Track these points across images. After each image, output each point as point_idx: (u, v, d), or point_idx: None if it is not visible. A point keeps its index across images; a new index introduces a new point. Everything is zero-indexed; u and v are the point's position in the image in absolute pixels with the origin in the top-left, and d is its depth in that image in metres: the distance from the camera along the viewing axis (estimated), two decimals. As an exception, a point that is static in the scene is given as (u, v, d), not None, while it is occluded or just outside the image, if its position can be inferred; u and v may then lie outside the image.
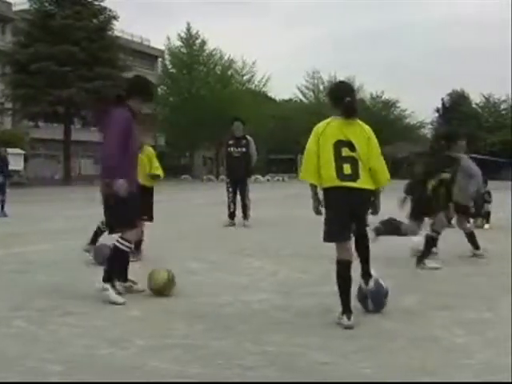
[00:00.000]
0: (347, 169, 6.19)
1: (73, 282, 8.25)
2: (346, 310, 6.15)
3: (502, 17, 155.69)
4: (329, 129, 6.36)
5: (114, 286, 7.27)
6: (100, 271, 7.44)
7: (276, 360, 5.02)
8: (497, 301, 7.28)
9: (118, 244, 7.25)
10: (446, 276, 8.98)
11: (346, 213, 6.27)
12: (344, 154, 6.23)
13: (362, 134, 6.38)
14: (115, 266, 7.35)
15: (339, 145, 6.25)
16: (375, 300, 6.66)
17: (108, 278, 7.17)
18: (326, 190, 6.31)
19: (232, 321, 6.27)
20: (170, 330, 5.88)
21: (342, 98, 6.42)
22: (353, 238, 6.51)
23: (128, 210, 7.19)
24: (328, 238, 6.46)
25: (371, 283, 6.62)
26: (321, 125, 6.48)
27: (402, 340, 5.61)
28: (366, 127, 6.48)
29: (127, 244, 7.30)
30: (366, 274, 6.66)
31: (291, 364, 4.93)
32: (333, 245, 6.41)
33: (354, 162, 6.23)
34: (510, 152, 73.90)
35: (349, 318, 6.08)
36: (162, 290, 7.40)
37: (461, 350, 5.33)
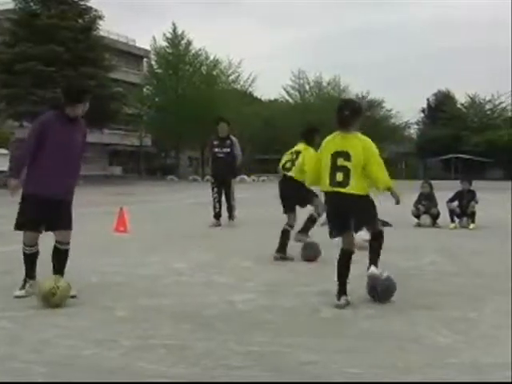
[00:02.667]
0: (339, 176, 7.06)
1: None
2: (341, 292, 7.02)
3: (489, 17, 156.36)
4: (332, 140, 7.31)
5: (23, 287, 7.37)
6: (86, 273, 7.43)
7: (261, 360, 5.02)
8: (481, 300, 7.31)
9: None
10: (430, 276, 9.00)
11: (338, 212, 7.23)
12: (339, 163, 7.08)
13: (358, 147, 7.09)
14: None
15: (336, 155, 7.12)
16: (383, 293, 7.25)
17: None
18: (324, 194, 7.40)
19: (217, 321, 6.27)
20: (156, 331, 5.87)
21: (338, 112, 7.26)
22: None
23: (20, 211, 7.32)
24: (330, 234, 7.41)
25: (373, 269, 7.32)
26: (328, 138, 7.41)
27: (387, 339, 5.63)
28: (364, 140, 7.19)
29: (24, 246, 7.40)
30: (371, 261, 7.43)
31: (277, 364, 4.94)
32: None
33: (346, 170, 7.05)
34: (496, 152, 74.35)
35: (339, 299, 6.95)
36: (46, 298, 6.86)
37: (445, 349, 5.35)
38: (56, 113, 7.46)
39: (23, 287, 7.36)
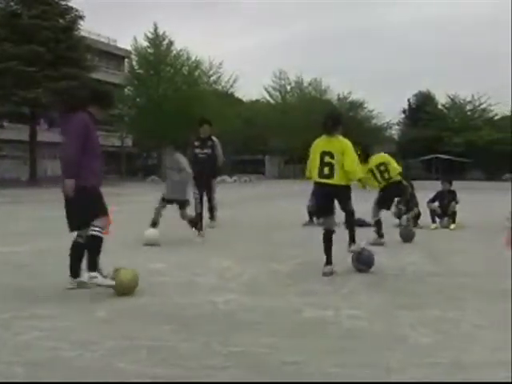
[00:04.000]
0: (326, 170, 9.25)
1: (39, 285, 8.20)
2: (328, 261, 9.14)
3: (471, 18, 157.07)
4: (319, 142, 9.52)
5: (100, 273, 7.75)
6: (67, 274, 7.42)
7: (243, 360, 5.03)
8: (462, 300, 7.35)
9: (94, 232, 7.75)
10: (411, 276, 9.04)
11: (324, 198, 9.49)
12: (326, 160, 9.27)
13: (339, 148, 9.31)
14: (96, 254, 7.80)
15: (323, 154, 9.31)
16: (364, 261, 9.40)
17: (94, 267, 7.70)
18: (314, 184, 9.57)
19: (199, 322, 6.27)
20: (137, 332, 5.86)
21: (324, 122, 9.47)
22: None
23: (91, 202, 7.82)
24: (317, 215, 10.53)
25: (354, 247, 9.45)
26: (316, 140, 9.60)
27: (369, 339, 5.64)
28: (344, 142, 9.39)
29: (101, 230, 7.85)
30: (350, 239, 9.49)
31: (259, 364, 4.94)
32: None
33: (331, 166, 9.24)
34: (476, 152, 74.69)
35: (329, 268, 9.06)
36: (127, 289, 7.60)
37: (426, 348, 5.37)
38: (88, 115, 7.96)
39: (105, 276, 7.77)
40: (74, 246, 7.94)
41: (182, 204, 13.12)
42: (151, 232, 12.43)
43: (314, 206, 12.18)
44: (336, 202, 9.47)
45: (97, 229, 7.80)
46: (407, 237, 13.16)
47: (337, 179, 9.20)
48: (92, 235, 7.79)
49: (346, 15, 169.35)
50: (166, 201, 13.19)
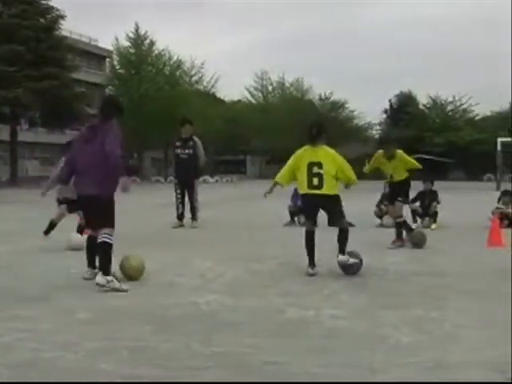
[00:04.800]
0: (315, 181, 9.19)
1: (21, 285, 8.16)
2: (311, 263, 9.14)
3: (452, 17, 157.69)
4: (305, 153, 9.42)
5: (115, 277, 8.06)
6: (48, 275, 7.38)
7: (226, 360, 5.02)
8: (444, 300, 7.37)
9: (106, 239, 8.07)
10: (394, 275, 9.06)
11: (314, 208, 9.48)
12: (314, 171, 9.20)
13: (327, 157, 9.31)
14: (108, 259, 8.08)
15: (311, 165, 9.23)
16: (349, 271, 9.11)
17: (108, 271, 7.95)
18: (302, 195, 9.55)
19: (180, 322, 6.26)
20: (119, 332, 5.84)
21: (308, 131, 9.51)
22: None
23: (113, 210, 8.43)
24: (306, 218, 9.88)
25: (342, 258, 9.08)
26: (300, 151, 9.53)
27: (351, 339, 5.65)
28: (331, 152, 9.43)
29: (112, 237, 8.19)
30: (340, 251, 9.12)
31: (241, 364, 4.93)
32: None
33: (320, 176, 9.17)
34: (457, 152, 75.01)
35: (312, 269, 9.08)
36: (137, 273, 8.62)
37: (408, 348, 5.39)
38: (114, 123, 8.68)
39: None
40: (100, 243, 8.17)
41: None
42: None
43: (295, 207, 13.10)
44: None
45: (108, 236, 8.14)
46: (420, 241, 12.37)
47: (326, 189, 9.15)
48: (104, 241, 8.09)
49: (327, 15, 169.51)
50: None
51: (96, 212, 8.30)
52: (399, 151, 12.60)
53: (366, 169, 12.92)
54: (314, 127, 9.55)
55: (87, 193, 8.24)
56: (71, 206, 11.54)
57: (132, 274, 8.56)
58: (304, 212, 10.20)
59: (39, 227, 12.49)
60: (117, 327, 6.04)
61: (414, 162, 12.84)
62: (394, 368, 4.85)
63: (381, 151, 12.67)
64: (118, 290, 7.75)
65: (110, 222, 8.26)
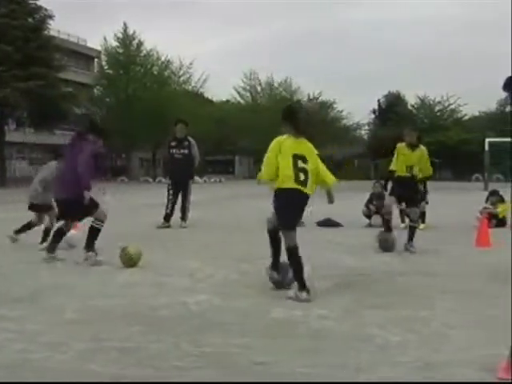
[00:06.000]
0: (302, 176, 7.65)
1: (8, 286, 8.15)
2: (302, 286, 7.38)
3: (440, 17, 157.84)
4: (287, 143, 7.76)
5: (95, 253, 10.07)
6: (36, 275, 7.37)
7: (215, 360, 5.03)
8: (431, 299, 7.39)
9: (96, 225, 10.27)
10: (381, 275, 9.08)
11: (292, 206, 7.75)
12: (299, 165, 7.68)
13: (311, 151, 7.89)
14: (94, 239, 10.20)
15: (296, 157, 7.68)
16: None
17: (91, 248, 10.11)
18: (283, 190, 7.70)
19: (169, 322, 6.26)
20: (107, 333, 5.83)
21: (291, 118, 7.90)
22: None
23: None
24: (283, 225, 7.77)
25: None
26: (280, 138, 7.87)
27: (338, 339, 5.67)
28: (312, 147, 7.94)
29: (101, 224, 10.34)
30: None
31: (230, 364, 4.94)
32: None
33: (305, 172, 7.70)
34: (446, 152, 75.08)
35: (307, 294, 7.31)
36: (136, 260, 9.66)
37: (396, 347, 5.41)
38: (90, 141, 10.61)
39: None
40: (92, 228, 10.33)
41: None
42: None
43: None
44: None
45: (101, 224, 10.33)
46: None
47: (309, 189, 7.74)
48: (94, 227, 10.30)
49: (316, 15, 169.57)
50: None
51: (73, 211, 10.33)
52: (422, 146, 12.33)
53: (393, 165, 12.32)
54: (291, 111, 8.11)
55: (64, 196, 10.25)
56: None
57: (133, 256, 9.64)
58: (282, 210, 7.76)
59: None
60: (105, 328, 6.04)
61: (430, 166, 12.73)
62: (383, 367, 4.86)
63: (402, 144, 12.18)
64: (96, 264, 9.77)
65: (89, 214, 10.41)
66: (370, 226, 16.07)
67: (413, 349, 5.35)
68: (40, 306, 6.94)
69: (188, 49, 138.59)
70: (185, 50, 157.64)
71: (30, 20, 56.48)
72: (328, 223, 16.34)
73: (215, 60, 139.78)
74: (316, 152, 7.98)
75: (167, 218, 15.90)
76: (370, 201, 16.65)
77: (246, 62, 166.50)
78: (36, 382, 4.59)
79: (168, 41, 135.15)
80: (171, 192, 16.08)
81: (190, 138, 16.25)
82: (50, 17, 58.08)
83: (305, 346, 5.47)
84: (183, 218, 16.00)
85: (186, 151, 16.03)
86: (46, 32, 58.14)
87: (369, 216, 16.47)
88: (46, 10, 57.46)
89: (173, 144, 16.19)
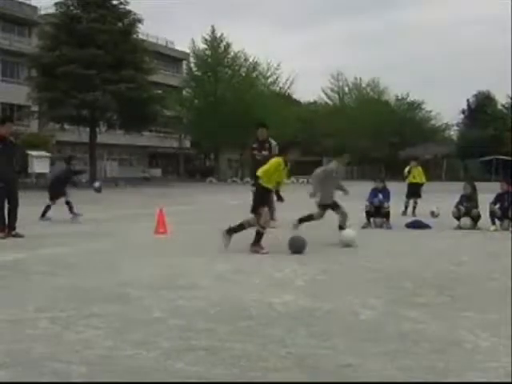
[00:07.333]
0: None
1: (97, 284, 8.26)
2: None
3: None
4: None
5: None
6: (122, 272, 7.45)
7: (300, 362, 5.00)
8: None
9: None
10: (471, 278, 8.90)
11: None
12: None
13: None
14: None
15: None
16: None
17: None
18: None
19: (256, 323, 6.24)
20: (194, 332, 5.85)
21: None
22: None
23: None
24: None
25: None
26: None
27: (427, 342, 5.57)
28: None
29: None
30: None
31: (316, 366, 4.91)
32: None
33: None
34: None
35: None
36: None
37: (485, 352, 5.28)
38: None
39: None
40: None
41: None
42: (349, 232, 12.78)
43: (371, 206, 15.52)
44: None
45: None
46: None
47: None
48: None
49: (403, 12, 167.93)
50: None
51: None
52: None
53: None
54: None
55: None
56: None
57: None
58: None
59: (113, 228, 12.64)
60: (191, 326, 6.06)
61: None
62: (471, 372, 4.76)
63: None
64: None
65: None
66: (459, 227, 15.81)
67: (503, 354, 5.22)
68: (130, 305, 7.02)
69: (276, 50, 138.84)
70: (273, 51, 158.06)
71: (119, 24, 57.52)
72: (416, 225, 16.20)
73: (301, 60, 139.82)
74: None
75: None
76: (460, 202, 16.38)
77: (331, 61, 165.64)
78: (119, 382, 4.64)
79: (256, 42, 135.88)
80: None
81: (272, 140, 16.42)
82: (139, 20, 59.06)
83: (393, 348, 5.40)
84: (272, 217, 16.10)
85: (267, 153, 16.20)
86: (135, 36, 59.13)
87: (458, 217, 16.20)
88: (134, 14, 58.48)
89: (254, 146, 16.43)
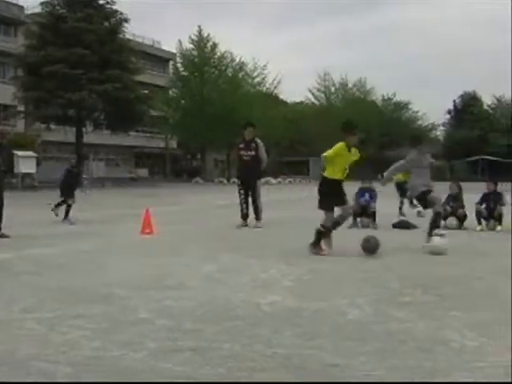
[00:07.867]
0: None
1: (84, 285, 8.24)
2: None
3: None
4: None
5: None
6: (109, 273, 7.44)
7: (286, 362, 5.00)
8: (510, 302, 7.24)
9: None
10: (458, 278, 8.94)
11: None
12: None
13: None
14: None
15: None
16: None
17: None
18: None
19: (243, 323, 6.24)
20: (180, 333, 5.84)
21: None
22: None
23: None
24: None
25: None
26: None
27: (414, 341, 5.59)
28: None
29: None
30: None
31: (302, 366, 4.90)
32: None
33: None
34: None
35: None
36: None
37: (472, 352, 5.29)
38: None
39: None
40: None
41: None
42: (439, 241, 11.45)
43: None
44: None
45: None
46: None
47: None
48: None
49: (389, 11, 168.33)
50: None
51: None
52: None
53: None
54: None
55: None
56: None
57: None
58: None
59: (100, 229, 12.62)
60: (178, 327, 6.06)
61: None
62: (459, 372, 4.77)
63: None
64: None
65: None
66: (445, 227, 15.85)
67: (490, 354, 5.23)
68: (115, 306, 7.00)
69: (262, 50, 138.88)
70: (259, 51, 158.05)
71: (105, 24, 57.48)
72: (403, 225, 16.25)
73: (288, 60, 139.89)
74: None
75: (244, 217, 16.22)
76: (446, 202, 16.42)
77: (318, 61, 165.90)
78: (106, 382, 4.63)
79: (242, 43, 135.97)
80: (242, 192, 16.37)
81: (258, 140, 16.45)
82: (126, 20, 59.04)
83: (380, 347, 5.40)
84: (257, 217, 16.15)
85: (253, 153, 16.24)
86: (121, 35, 59.09)
87: (444, 217, 16.23)
88: (121, 13, 58.45)
89: (241, 146, 16.46)
